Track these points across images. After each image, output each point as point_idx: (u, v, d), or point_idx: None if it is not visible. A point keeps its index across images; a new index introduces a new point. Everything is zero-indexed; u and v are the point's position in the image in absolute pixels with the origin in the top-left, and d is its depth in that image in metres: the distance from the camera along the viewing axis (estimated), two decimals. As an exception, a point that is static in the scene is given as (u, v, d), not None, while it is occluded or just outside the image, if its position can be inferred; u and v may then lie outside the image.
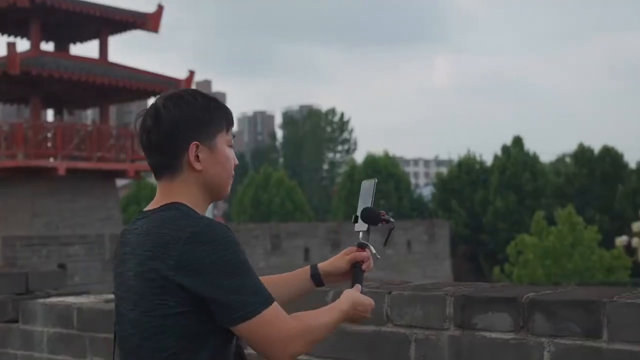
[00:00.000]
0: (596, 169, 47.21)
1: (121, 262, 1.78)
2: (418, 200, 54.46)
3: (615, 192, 45.26)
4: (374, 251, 2.06)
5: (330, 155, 75.71)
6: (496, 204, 44.69)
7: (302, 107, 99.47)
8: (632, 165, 48.87)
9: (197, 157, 1.75)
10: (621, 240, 31.28)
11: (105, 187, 24.12)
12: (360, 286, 1.94)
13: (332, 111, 77.29)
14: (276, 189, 49.75)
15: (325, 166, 75.43)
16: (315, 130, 75.22)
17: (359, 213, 2.03)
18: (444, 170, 61.36)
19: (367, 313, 1.85)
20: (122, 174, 24.55)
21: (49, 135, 22.32)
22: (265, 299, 1.62)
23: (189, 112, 1.77)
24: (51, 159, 22.26)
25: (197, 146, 1.76)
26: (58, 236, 21.31)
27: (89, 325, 3.95)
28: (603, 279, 26.03)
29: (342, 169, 66.87)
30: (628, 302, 2.04)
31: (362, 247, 2.03)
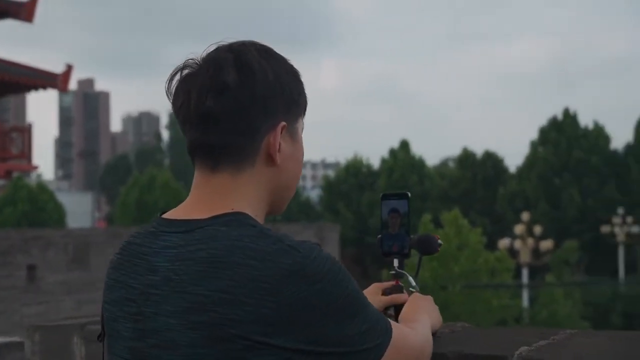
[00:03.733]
0: (478, 173, 48.41)
1: (141, 298, 1.16)
2: (305, 203, 54.28)
3: (496, 195, 46.51)
4: (413, 283, 1.74)
5: (217, 156, 74.75)
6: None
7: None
8: (512, 169, 50.44)
9: (279, 144, 1.22)
10: (504, 242, 31.98)
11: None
12: None
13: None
14: (161, 191, 48.33)
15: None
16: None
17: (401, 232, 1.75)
18: (331, 173, 61.56)
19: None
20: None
21: None
22: (386, 324, 1.19)
23: (284, 78, 1.23)
24: None
25: (284, 128, 1.22)
26: None
27: None
28: (488, 281, 26.36)
29: (229, 171, 66.05)
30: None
31: (397, 277, 1.74)
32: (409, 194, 1.92)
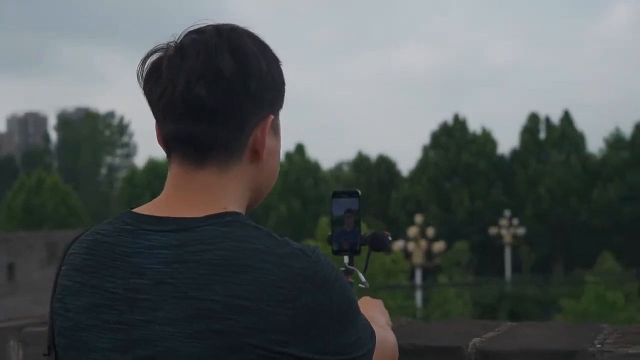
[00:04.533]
0: (373, 176, 49.31)
1: (125, 304, 1.03)
2: (201, 206, 53.77)
3: (390, 198, 47.51)
4: (363, 279, 1.73)
5: (109, 159, 72.83)
6: (280, 210, 45.11)
7: (78, 110, 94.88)
8: (405, 173, 51.64)
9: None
10: (398, 244, 32.67)
11: None
12: None
13: (111, 114, 74.39)
14: (49, 194, 46.72)
15: (104, 170, 72.45)
16: (93, 133, 71.91)
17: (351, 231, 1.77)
18: (227, 175, 61.19)
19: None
20: None
21: None
22: (371, 328, 1.14)
23: (275, 69, 1.14)
24: None
25: (272, 122, 1.13)
26: None
27: None
28: (384, 282, 26.87)
29: (122, 174, 64.49)
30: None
31: (348, 274, 1.74)
32: (359, 192, 1.97)
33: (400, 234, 37.85)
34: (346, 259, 1.96)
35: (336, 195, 2.00)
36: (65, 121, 78.14)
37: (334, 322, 1.03)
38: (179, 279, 1.00)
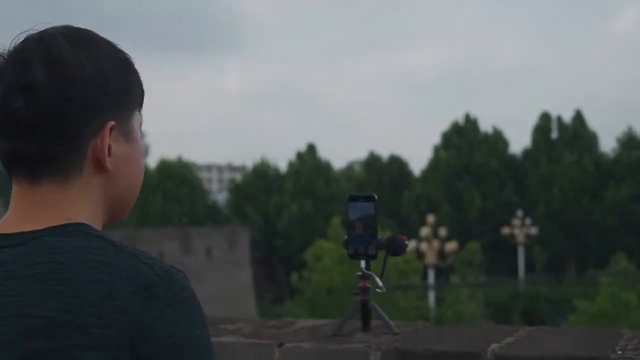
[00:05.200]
0: (384, 176, 49.24)
1: None
2: (213, 206, 53.81)
3: (402, 198, 47.43)
4: (380, 284, 1.82)
5: (121, 159, 73.25)
6: (292, 210, 45.12)
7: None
8: (417, 173, 51.55)
9: (108, 147, 1.04)
10: (410, 244, 32.63)
11: None
12: None
13: (123, 114, 74.82)
14: None
15: (115, 171, 72.87)
16: (105, 133, 72.36)
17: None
18: (238, 176, 61.23)
19: None
20: None
21: None
22: None
23: (109, 70, 1.04)
24: None
25: (112, 129, 1.04)
26: None
27: None
28: (397, 281, 26.80)
29: (134, 174, 64.72)
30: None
31: (365, 279, 1.83)
32: (376, 196, 1.95)
33: (413, 234, 37.77)
34: (363, 263, 1.95)
35: (352, 199, 1.99)
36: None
37: (168, 345, 0.93)
38: (10, 297, 0.93)
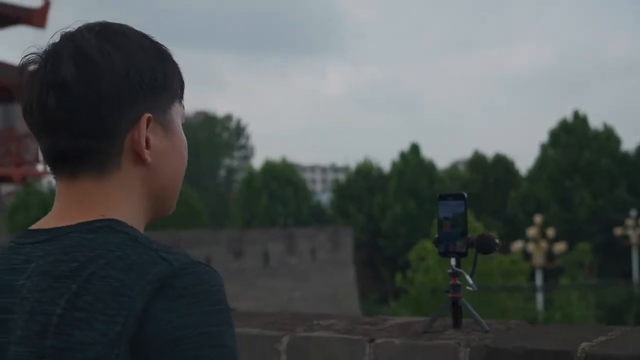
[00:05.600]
0: (489, 176, 48.31)
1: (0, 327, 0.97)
2: (317, 207, 54.27)
3: (507, 198, 46.41)
4: (470, 281, 1.86)
5: (227, 161, 74.83)
6: (395, 210, 44.94)
7: (198, 113, 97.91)
8: (523, 172, 50.32)
9: (147, 139, 1.03)
10: (517, 245, 31.90)
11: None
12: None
13: (229, 117, 76.39)
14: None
15: (222, 172, 74.48)
16: (212, 136, 74.08)
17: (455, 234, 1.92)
18: (341, 176, 61.51)
19: None
20: (6, 179, 22.96)
21: None
22: None
23: (141, 61, 1.02)
24: None
25: (149, 121, 1.03)
26: None
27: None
28: (503, 283, 26.32)
29: (240, 176, 66.06)
30: None
31: (455, 276, 1.89)
32: (466, 195, 1.97)
33: (519, 234, 36.92)
34: (453, 261, 1.98)
35: (442, 198, 2.01)
36: (186, 125, 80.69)
37: (173, 339, 0.89)
38: (33, 293, 0.95)
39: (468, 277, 1.95)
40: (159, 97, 1.04)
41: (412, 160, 47.68)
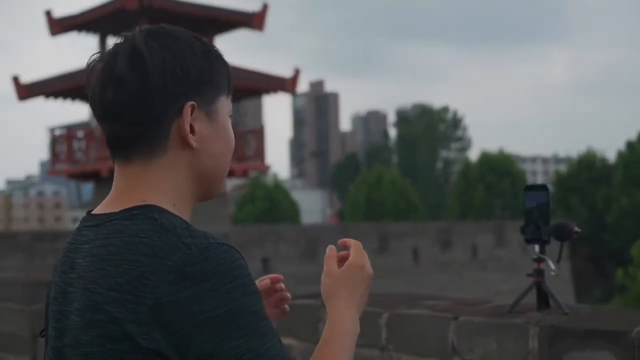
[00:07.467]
0: None
1: (62, 296, 1.16)
2: (536, 199, 52.55)
3: None
4: (552, 267, 2.00)
5: (444, 153, 74.62)
6: (621, 202, 42.39)
7: (415, 106, 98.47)
8: None
9: (192, 126, 1.17)
10: None
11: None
12: None
13: (446, 109, 76.14)
14: (389, 188, 49.15)
15: (439, 164, 74.40)
16: (429, 128, 74.26)
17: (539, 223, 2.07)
18: (563, 168, 59.06)
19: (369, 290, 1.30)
20: (230, 173, 24.69)
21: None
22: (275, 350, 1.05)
23: (186, 57, 1.17)
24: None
25: (194, 109, 1.17)
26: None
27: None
28: None
29: (457, 167, 65.61)
30: None
31: (539, 261, 2.04)
32: (548, 186, 2.15)
33: None
34: (537, 247, 2.11)
35: (528, 189, 2.18)
36: (403, 118, 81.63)
37: (198, 322, 1.02)
38: (86, 272, 1.11)
39: (550, 263, 2.08)
40: (204, 91, 1.18)
41: (640, 149, 44.68)
